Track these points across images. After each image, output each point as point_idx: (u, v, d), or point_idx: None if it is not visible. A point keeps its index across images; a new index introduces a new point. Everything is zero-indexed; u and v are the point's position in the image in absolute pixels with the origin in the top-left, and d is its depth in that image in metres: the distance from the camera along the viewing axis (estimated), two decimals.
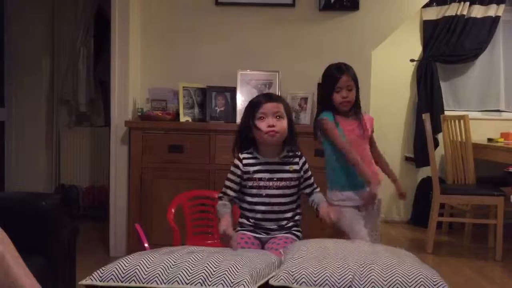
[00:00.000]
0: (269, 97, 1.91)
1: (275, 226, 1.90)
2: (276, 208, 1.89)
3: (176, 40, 3.65)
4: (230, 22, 3.65)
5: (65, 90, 4.43)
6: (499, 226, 3.49)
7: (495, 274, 3.26)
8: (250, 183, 1.89)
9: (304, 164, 1.94)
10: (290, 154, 1.93)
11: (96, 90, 4.47)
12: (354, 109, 2.43)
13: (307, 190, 1.97)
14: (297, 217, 1.95)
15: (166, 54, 3.65)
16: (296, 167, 1.91)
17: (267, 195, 1.88)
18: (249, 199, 1.91)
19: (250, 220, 1.92)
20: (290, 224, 1.92)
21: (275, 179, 1.88)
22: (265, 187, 1.88)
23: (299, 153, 1.94)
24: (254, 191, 1.89)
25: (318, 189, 2.00)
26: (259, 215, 1.90)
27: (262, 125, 1.84)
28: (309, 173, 1.96)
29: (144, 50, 3.63)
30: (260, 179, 1.88)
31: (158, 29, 3.65)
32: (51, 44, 4.42)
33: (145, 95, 3.58)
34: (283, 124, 1.85)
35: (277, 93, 3.29)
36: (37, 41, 4.33)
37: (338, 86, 2.34)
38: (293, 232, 1.92)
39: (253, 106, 1.90)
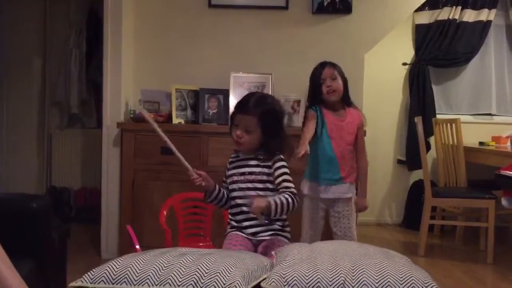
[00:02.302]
0: (243, 109, 1.88)
1: (257, 224, 1.89)
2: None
3: (169, 42, 3.65)
4: (223, 24, 3.65)
5: (57, 91, 4.41)
6: (490, 229, 3.50)
7: (486, 277, 3.28)
8: (229, 180, 1.97)
9: (276, 161, 1.88)
10: (266, 155, 1.91)
11: (88, 91, 4.45)
12: (344, 103, 2.48)
13: (278, 188, 1.86)
14: (280, 219, 1.92)
15: (159, 56, 3.65)
16: (268, 163, 1.89)
17: (240, 189, 1.92)
18: (230, 195, 1.97)
19: (233, 216, 1.95)
20: (276, 226, 1.91)
21: (246, 173, 1.91)
22: (238, 181, 1.92)
23: (277, 154, 1.90)
24: (231, 186, 1.96)
25: (289, 192, 1.82)
26: (234, 210, 1.94)
27: (233, 133, 1.90)
28: (280, 171, 1.87)
29: (137, 51, 3.62)
30: (234, 174, 1.95)
31: (151, 31, 3.64)
32: (43, 45, 4.40)
33: (137, 97, 3.57)
34: (249, 138, 1.87)
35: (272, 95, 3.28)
36: (28, 42, 4.32)
37: (322, 78, 2.45)
38: (281, 234, 1.92)
39: (233, 110, 1.95)
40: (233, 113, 1.93)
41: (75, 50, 4.32)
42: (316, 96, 2.48)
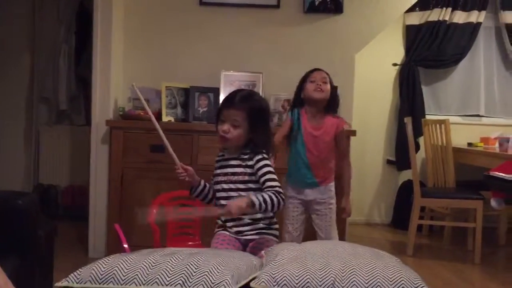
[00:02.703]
0: (232, 103, 1.86)
1: (241, 220, 1.88)
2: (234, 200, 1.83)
3: (160, 39, 3.62)
4: (214, 22, 3.63)
5: (45, 87, 4.36)
6: (478, 230, 3.53)
7: (474, 277, 3.30)
8: (215, 179, 1.96)
9: (259, 161, 1.85)
10: (249, 153, 1.88)
11: (77, 88, 4.40)
12: (328, 109, 2.48)
13: (263, 187, 1.82)
14: (265, 218, 1.90)
15: (149, 53, 3.62)
16: (250, 162, 1.86)
17: (224, 189, 1.90)
18: (216, 195, 1.95)
19: (221, 217, 1.94)
20: (260, 225, 1.90)
21: (229, 173, 1.89)
22: (222, 182, 1.91)
23: (260, 151, 1.87)
24: (216, 186, 1.94)
25: (272, 190, 1.80)
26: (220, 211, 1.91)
27: (219, 128, 1.87)
28: (263, 170, 1.83)
29: (127, 48, 3.59)
30: (219, 174, 1.93)
31: (141, 27, 3.61)
32: (31, 40, 4.35)
33: (127, 94, 3.54)
34: (236, 133, 1.84)
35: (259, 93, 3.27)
36: (17, 37, 4.26)
37: (312, 77, 2.46)
38: (268, 232, 1.90)
39: (220, 106, 1.93)
40: (219, 108, 1.91)
41: (64, 46, 4.27)
42: (298, 95, 2.50)
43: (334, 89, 2.50)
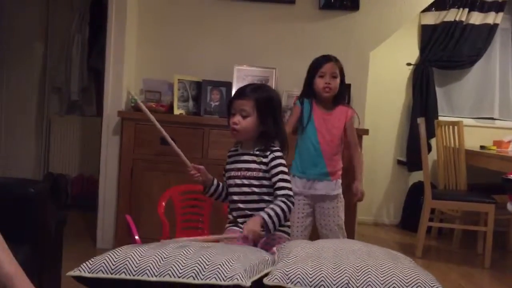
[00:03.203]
0: (239, 93, 1.86)
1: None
2: (248, 198, 1.84)
3: (174, 32, 3.60)
4: (229, 16, 3.61)
5: (57, 77, 4.36)
6: (489, 233, 3.49)
7: (483, 281, 3.26)
8: (227, 174, 1.93)
9: (273, 159, 1.82)
10: (264, 148, 1.86)
11: (89, 78, 4.40)
12: (337, 101, 2.45)
13: (274, 188, 1.80)
14: None
15: (162, 45, 3.60)
16: (265, 160, 1.84)
17: (236, 185, 1.87)
18: (229, 190, 1.93)
19: (231, 211, 1.92)
20: None
21: (243, 169, 1.86)
22: (235, 177, 1.87)
23: (274, 148, 1.85)
24: (228, 181, 1.92)
25: (283, 195, 1.77)
26: (232, 205, 1.91)
27: (230, 121, 1.85)
28: (277, 169, 1.80)
29: (140, 40, 3.58)
30: (232, 169, 1.90)
31: (156, 19, 3.60)
32: (44, 29, 4.35)
33: (139, 86, 3.53)
34: (246, 123, 1.82)
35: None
36: (30, 26, 4.26)
37: (322, 71, 2.42)
38: (280, 229, 1.87)
39: (228, 101, 1.90)
40: (230, 101, 1.88)
41: (77, 36, 4.27)
42: (310, 88, 2.47)
43: (343, 82, 2.47)
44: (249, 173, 1.85)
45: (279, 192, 1.79)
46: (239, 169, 1.87)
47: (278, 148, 1.86)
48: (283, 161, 1.84)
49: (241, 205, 1.86)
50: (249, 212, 1.83)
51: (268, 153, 1.84)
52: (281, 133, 1.89)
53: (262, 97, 1.84)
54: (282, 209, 1.74)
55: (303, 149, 2.47)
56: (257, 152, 1.86)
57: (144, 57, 3.59)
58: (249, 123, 1.82)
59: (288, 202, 1.77)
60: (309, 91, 2.49)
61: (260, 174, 1.84)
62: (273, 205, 1.76)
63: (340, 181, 2.54)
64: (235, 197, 1.88)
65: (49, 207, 1.99)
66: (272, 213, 1.72)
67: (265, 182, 1.84)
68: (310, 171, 2.46)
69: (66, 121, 4.42)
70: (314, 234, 2.54)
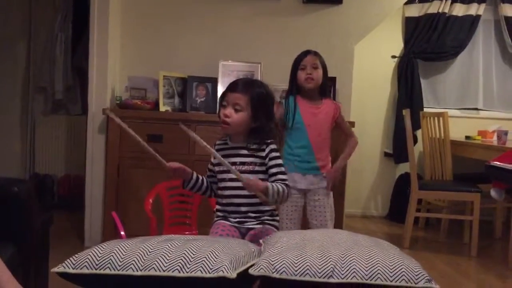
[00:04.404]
0: (235, 87, 1.84)
1: (246, 214, 1.85)
2: (243, 192, 1.80)
3: (158, 28, 3.59)
4: (213, 11, 3.60)
5: (41, 76, 4.32)
6: (475, 222, 3.53)
7: (470, 270, 3.30)
8: (217, 168, 1.89)
9: (271, 151, 1.83)
10: (258, 141, 1.85)
11: (73, 77, 4.36)
12: (321, 93, 2.50)
13: (271, 179, 1.81)
14: (268, 208, 1.89)
15: (147, 42, 3.59)
16: (261, 153, 1.83)
17: (231, 179, 1.84)
18: (218, 184, 1.91)
19: (222, 207, 1.90)
20: (264, 217, 1.87)
21: (238, 163, 1.84)
22: (228, 171, 1.82)
23: (269, 141, 1.85)
24: (220, 175, 1.89)
25: (283, 183, 1.79)
26: (225, 200, 1.88)
27: (221, 113, 1.83)
28: (275, 162, 1.82)
29: (124, 37, 3.56)
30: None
31: (139, 16, 3.58)
32: (27, 28, 4.30)
33: (124, 83, 3.51)
34: (238, 117, 1.80)
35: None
36: (13, 25, 4.21)
37: (303, 64, 2.48)
38: (270, 223, 1.88)
39: (222, 93, 1.89)
40: (223, 93, 1.87)
41: (60, 34, 4.23)
42: (293, 83, 2.52)
43: (325, 74, 2.51)
44: (244, 167, 1.83)
45: (278, 180, 1.79)
46: (233, 163, 1.82)
47: (272, 141, 1.86)
48: (279, 153, 1.86)
49: (235, 200, 1.84)
50: (244, 208, 1.83)
51: (265, 146, 1.84)
52: (274, 129, 1.89)
53: (257, 93, 1.83)
54: (283, 189, 1.76)
55: (292, 145, 2.50)
56: (254, 146, 1.85)
57: (128, 54, 3.57)
58: (241, 118, 1.80)
59: (287, 190, 1.78)
60: (293, 87, 2.53)
61: (256, 168, 1.83)
62: (277, 183, 1.77)
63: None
64: (228, 192, 1.86)
65: (35, 206, 1.97)
66: (275, 187, 1.74)
67: (260, 176, 1.83)
68: (300, 165, 2.48)
69: (51, 121, 4.38)
70: (305, 227, 2.55)
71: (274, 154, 1.83)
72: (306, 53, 2.50)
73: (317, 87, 2.49)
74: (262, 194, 1.71)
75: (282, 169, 1.83)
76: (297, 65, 2.49)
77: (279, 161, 1.83)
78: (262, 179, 1.79)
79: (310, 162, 2.48)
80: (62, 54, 4.25)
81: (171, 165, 1.84)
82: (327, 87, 2.57)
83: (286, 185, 1.79)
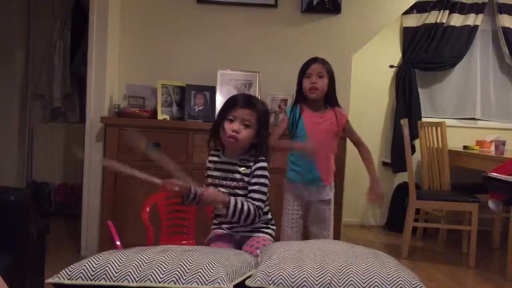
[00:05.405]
0: (246, 102, 1.82)
1: (237, 226, 1.85)
2: None
3: (156, 37, 3.59)
4: (212, 20, 3.61)
5: (39, 84, 4.32)
6: (473, 233, 3.52)
7: (468, 280, 3.28)
8: (209, 181, 1.90)
9: (256, 169, 1.81)
10: (249, 157, 1.85)
11: (71, 85, 4.36)
12: (327, 103, 2.45)
13: (247, 196, 1.80)
14: (262, 217, 1.88)
15: (145, 50, 3.59)
16: (248, 170, 1.83)
17: (223, 186, 1.85)
18: None
19: (217, 218, 1.91)
20: (257, 224, 1.87)
21: (228, 178, 1.85)
22: (220, 186, 1.85)
23: (260, 158, 1.84)
24: (214, 183, 1.90)
25: (252, 200, 1.77)
26: (217, 211, 1.88)
27: (228, 127, 1.80)
28: (256, 180, 1.80)
29: (123, 45, 3.56)
30: (216, 177, 1.88)
31: (138, 24, 3.58)
32: (26, 36, 4.30)
33: (122, 92, 3.51)
34: (247, 133, 1.80)
35: (256, 94, 3.27)
36: (11, 33, 4.21)
37: (308, 72, 2.42)
38: (264, 231, 1.88)
39: (228, 105, 1.85)
40: (229, 107, 1.83)
41: (59, 42, 4.24)
42: (300, 92, 2.47)
43: (332, 82, 2.44)
44: (234, 183, 1.84)
45: (250, 199, 1.78)
46: (225, 178, 1.85)
47: (263, 158, 1.85)
48: (266, 173, 1.83)
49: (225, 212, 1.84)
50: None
51: (252, 163, 1.83)
52: (267, 145, 1.90)
53: (263, 110, 1.85)
54: (248, 209, 1.74)
55: (295, 155, 2.45)
56: (242, 162, 1.84)
57: (127, 63, 3.57)
58: (249, 134, 1.80)
59: (257, 211, 1.76)
60: (299, 95, 2.48)
61: (245, 185, 1.84)
62: (246, 203, 1.75)
63: (333, 184, 2.53)
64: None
65: (31, 214, 1.97)
66: (239, 205, 1.73)
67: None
68: (302, 176, 2.44)
69: (49, 128, 4.37)
70: (304, 234, 2.54)
71: (259, 172, 1.82)
72: (313, 60, 2.43)
73: (322, 96, 2.43)
74: (221, 207, 1.71)
75: (262, 189, 1.80)
76: (303, 72, 2.43)
77: (262, 180, 1.81)
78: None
79: (313, 174, 2.43)
80: (60, 62, 4.25)
81: (166, 185, 1.82)
82: (333, 96, 2.47)
83: (258, 208, 1.77)
